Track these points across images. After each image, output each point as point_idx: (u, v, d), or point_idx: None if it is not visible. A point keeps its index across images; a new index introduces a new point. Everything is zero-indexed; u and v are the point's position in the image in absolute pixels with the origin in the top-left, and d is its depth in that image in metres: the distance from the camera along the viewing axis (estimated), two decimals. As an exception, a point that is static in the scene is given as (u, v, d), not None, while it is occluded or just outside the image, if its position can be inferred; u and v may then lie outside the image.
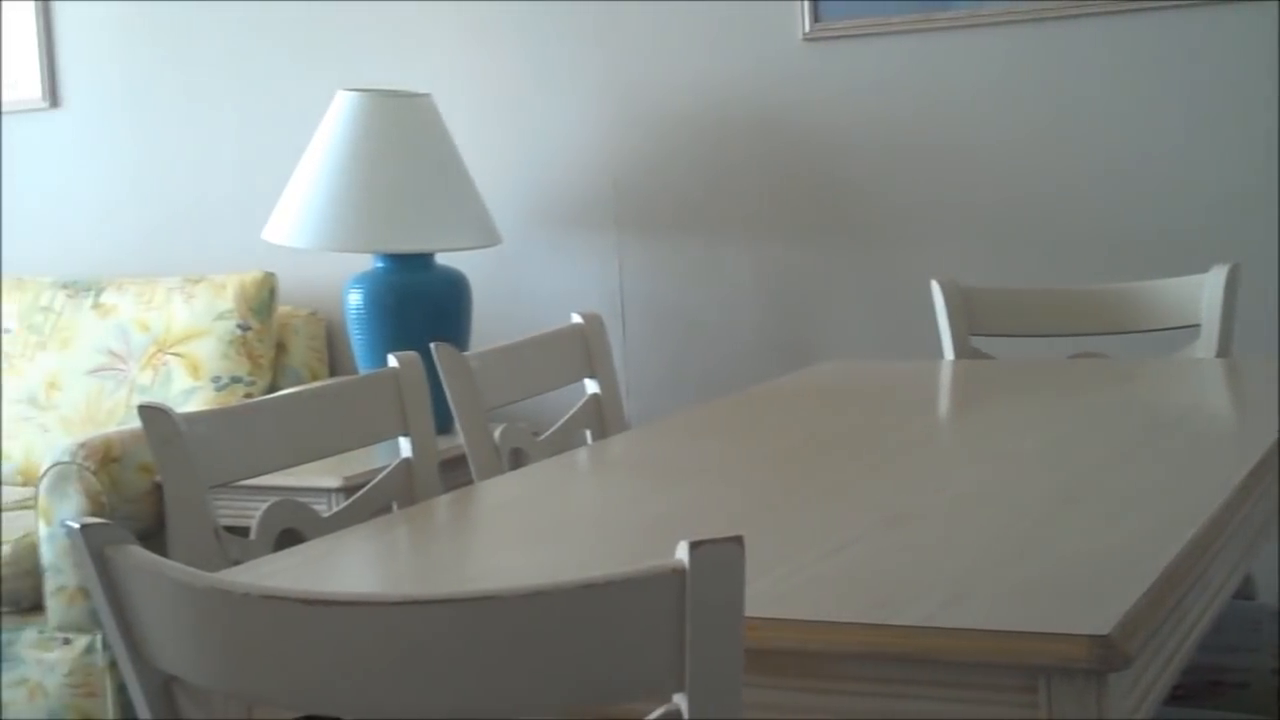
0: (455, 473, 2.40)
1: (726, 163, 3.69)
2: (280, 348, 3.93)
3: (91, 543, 1.24)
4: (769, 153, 3.65)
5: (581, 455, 2.28)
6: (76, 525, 1.24)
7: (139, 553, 1.23)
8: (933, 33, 3.49)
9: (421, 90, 3.69)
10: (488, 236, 3.62)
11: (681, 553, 1.08)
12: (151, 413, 1.90)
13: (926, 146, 3.52)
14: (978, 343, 3.03)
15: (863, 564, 1.51)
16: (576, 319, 2.70)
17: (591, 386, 2.68)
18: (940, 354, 3.02)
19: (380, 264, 3.62)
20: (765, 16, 3.61)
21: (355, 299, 3.59)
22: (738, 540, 1.08)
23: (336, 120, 3.54)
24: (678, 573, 1.07)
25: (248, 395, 3.78)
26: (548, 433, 2.51)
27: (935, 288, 3.02)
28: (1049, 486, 1.81)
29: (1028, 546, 1.54)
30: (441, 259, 3.67)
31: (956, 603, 1.36)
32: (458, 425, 2.34)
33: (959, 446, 2.16)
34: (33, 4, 4.44)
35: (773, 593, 1.42)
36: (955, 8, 3.45)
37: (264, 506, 2.01)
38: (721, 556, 1.08)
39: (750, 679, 1.12)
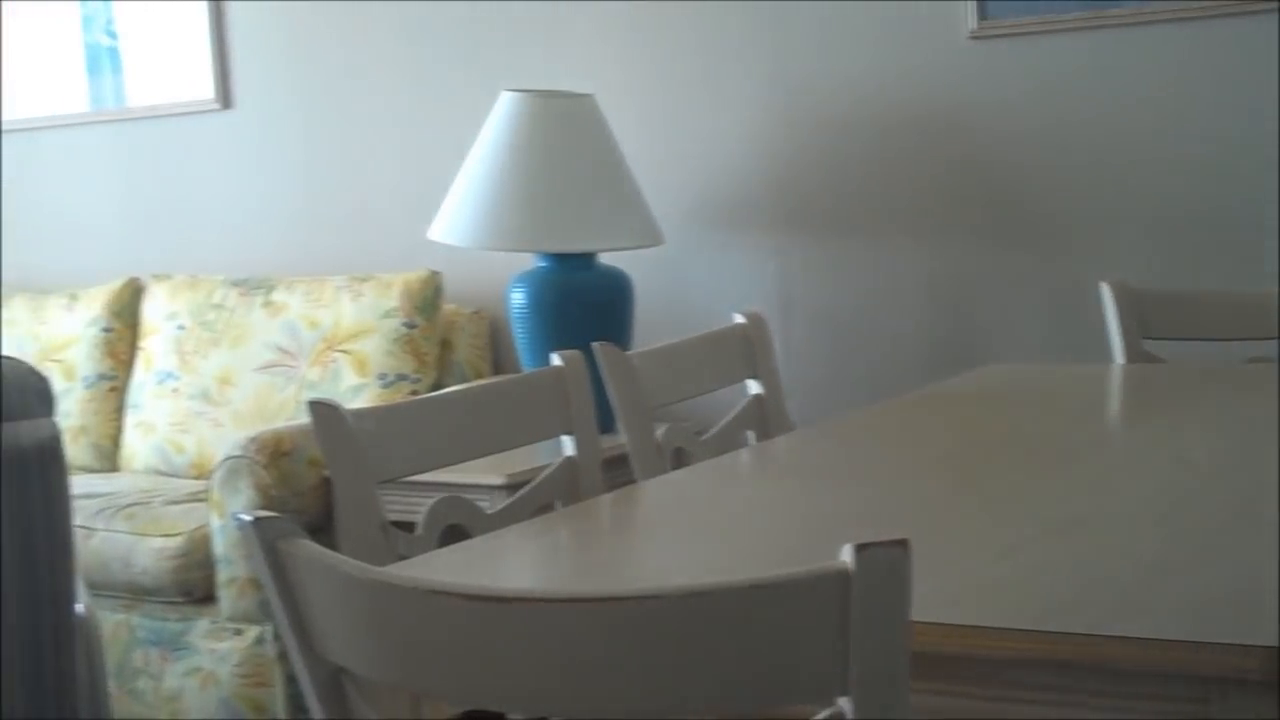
0: (617, 472, 2.40)
1: (891, 162, 3.66)
2: (445, 345, 3.97)
3: (263, 536, 1.26)
4: (934, 152, 3.61)
5: (744, 456, 2.27)
6: (249, 518, 1.26)
7: (309, 546, 1.25)
8: (1102, 30, 3.43)
9: (585, 90, 3.71)
10: (650, 236, 3.62)
11: (847, 555, 1.07)
12: (321, 409, 1.93)
13: (1095, 146, 3.46)
14: (1149, 346, 2.97)
15: (1030, 570, 1.49)
16: (739, 319, 2.70)
17: (754, 387, 2.67)
18: (1110, 358, 2.97)
19: (543, 263, 3.65)
20: (931, 14, 3.58)
21: (518, 298, 3.61)
22: (903, 543, 1.07)
23: (501, 120, 3.57)
24: (843, 575, 1.07)
25: (413, 392, 3.83)
26: (710, 432, 2.51)
27: (1105, 290, 2.96)
28: (1222, 495, 1.77)
29: (1200, 556, 1.51)
30: (604, 258, 3.69)
31: (1126, 611, 1.34)
32: (620, 424, 2.34)
33: (1130, 452, 2.12)
34: (205, 4, 4.53)
35: (938, 597, 1.40)
36: (1125, 5, 3.39)
37: (430, 502, 2.04)
38: (887, 559, 1.07)
39: (915, 683, 1.11)
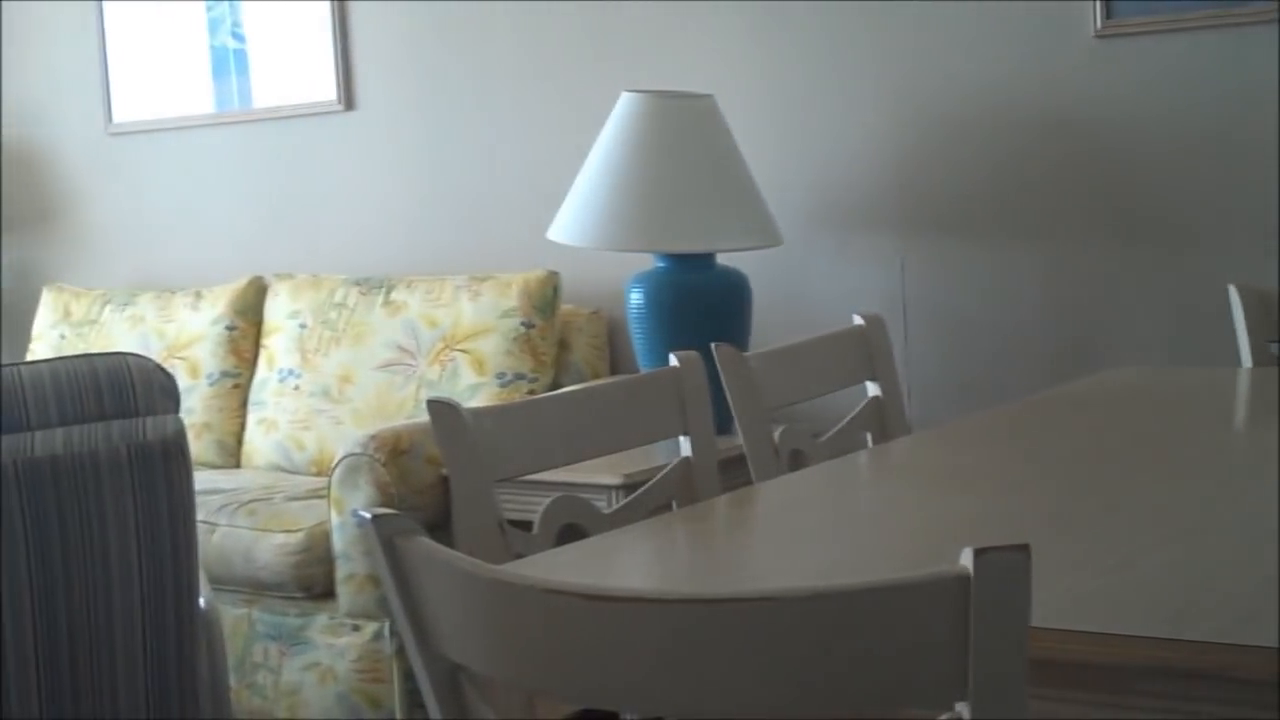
0: (734, 473, 2.40)
1: (1013, 163, 3.62)
2: (563, 345, 3.99)
3: (382, 532, 1.27)
4: (1057, 152, 3.57)
5: (862, 458, 2.26)
6: (368, 515, 1.27)
7: (427, 543, 1.26)
8: (1231, 28, 3.37)
9: (704, 91, 3.70)
10: (768, 237, 3.61)
11: (966, 559, 1.06)
12: (440, 407, 1.95)
13: (1224, 146, 3.40)
14: (1277, 350, 2.91)
15: (1153, 577, 1.47)
16: (858, 320, 2.68)
17: (872, 389, 2.65)
18: (1237, 362, 2.91)
19: (661, 264, 3.65)
20: (1056, 13, 3.53)
21: (636, 298, 3.62)
22: (1024, 548, 1.06)
23: (620, 121, 3.58)
24: (962, 579, 1.06)
25: (530, 392, 3.85)
26: (828, 434, 2.50)
27: (1233, 292, 2.91)
28: (1353, 501, 1.73)
29: (1330, 563, 1.48)
30: (722, 259, 3.69)
31: (1251, 619, 1.31)
32: (737, 425, 2.33)
33: (1256, 459, 2.08)
34: (328, 6, 4.58)
35: (1059, 603, 1.38)
36: (1253, 4, 3.33)
37: (546, 501, 2.04)
38: (1007, 564, 1.05)
39: (1033, 690, 1.09)
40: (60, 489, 2.32)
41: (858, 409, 2.60)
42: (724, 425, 2.75)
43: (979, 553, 1.05)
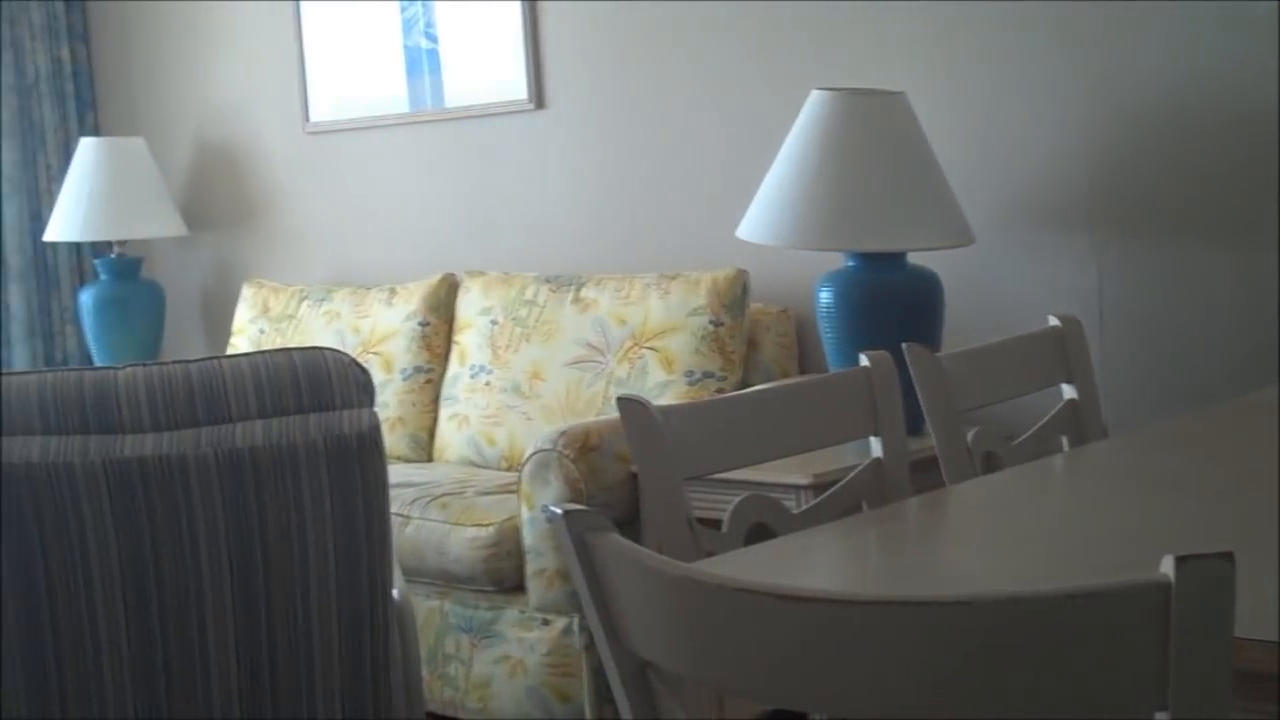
0: (926, 475, 2.37)
1: (1212, 161, 3.53)
2: (751, 344, 3.98)
3: (573, 528, 1.28)
4: (1258, 151, 3.47)
5: (1058, 462, 2.22)
6: (559, 511, 1.28)
7: (617, 540, 1.26)
8: None
9: (895, 88, 3.67)
10: (961, 236, 3.57)
11: (1168, 566, 1.03)
12: (630, 405, 1.95)
13: None
14: None
15: (1363, 587, 1.42)
16: (1053, 322, 2.64)
17: (1068, 391, 2.60)
18: None
19: (851, 263, 3.62)
20: (1244, 10, 3.44)
21: (826, 297, 3.60)
22: (1228, 556, 1.03)
23: (810, 119, 3.56)
24: (1163, 587, 1.03)
25: (719, 390, 3.85)
26: (1022, 437, 2.46)
27: None
28: None
29: None
30: (913, 258, 3.65)
31: None
32: (929, 426, 2.31)
33: None
34: (519, 6, 4.62)
35: (1265, 614, 1.34)
36: None
37: (735, 500, 2.04)
38: (1211, 572, 1.03)
39: (1238, 703, 1.06)
40: (260, 480, 2.38)
41: (1053, 411, 2.55)
42: (915, 426, 2.72)
43: (1181, 560, 1.03)
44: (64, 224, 5.35)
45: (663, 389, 3.88)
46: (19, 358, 5.51)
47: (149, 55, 5.69)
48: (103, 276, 5.45)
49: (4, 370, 5.67)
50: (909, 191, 3.51)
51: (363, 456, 2.43)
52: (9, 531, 2.34)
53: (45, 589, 2.36)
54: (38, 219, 5.56)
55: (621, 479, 3.45)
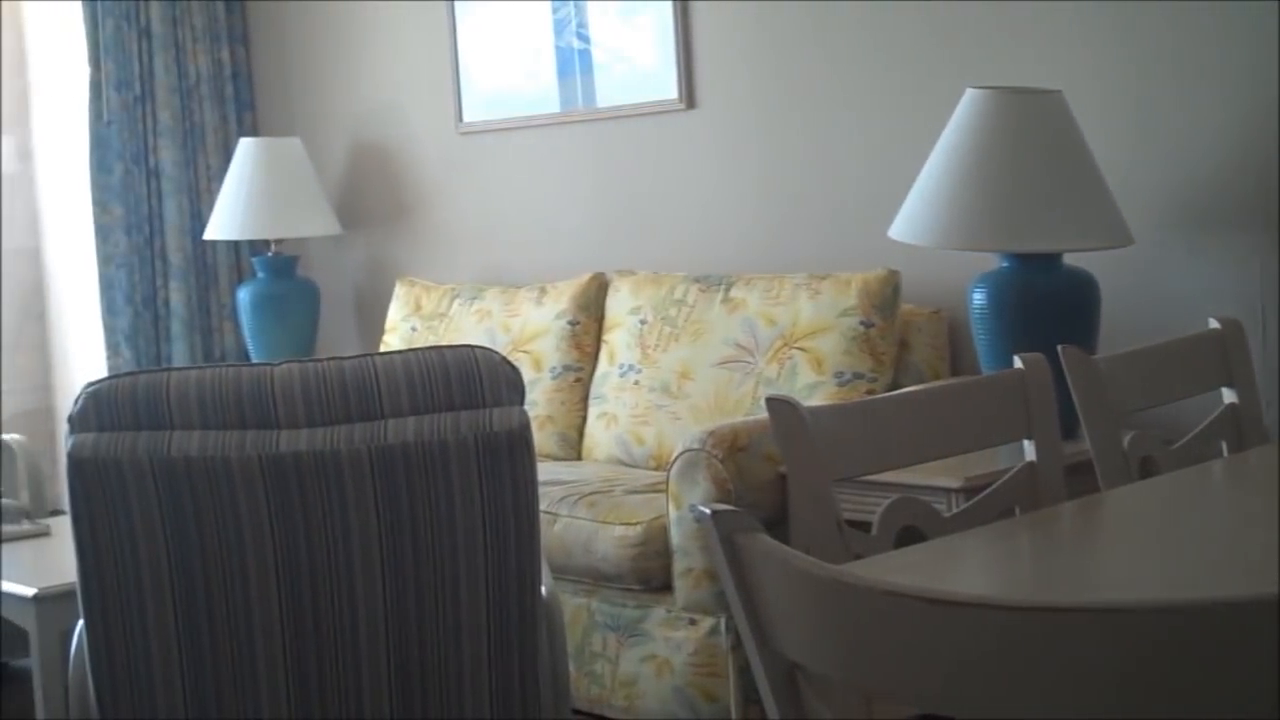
0: (1080, 479, 2.33)
1: (1384, 160, 3.43)
2: (902, 345, 3.95)
3: (721, 528, 1.27)
4: None
5: (1217, 467, 2.17)
6: (708, 511, 1.28)
7: (766, 540, 1.25)
8: None
9: (1052, 87, 3.61)
10: (1119, 237, 3.51)
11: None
12: (779, 405, 1.94)
13: None
14: None
15: None
16: (1214, 324, 2.58)
17: (1229, 395, 2.55)
18: None
19: (1006, 263, 3.58)
20: None
21: (980, 298, 3.55)
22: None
23: (964, 118, 3.52)
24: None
25: (869, 392, 3.82)
26: (1181, 442, 2.41)
27: None
28: None
29: None
30: (1069, 259, 3.59)
31: None
32: (1084, 430, 2.27)
33: None
34: (670, 6, 4.63)
35: None
36: None
37: (886, 503, 2.02)
38: (1381, 583, 1.00)
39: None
40: (411, 476, 2.40)
41: (1213, 416, 2.50)
42: (1069, 430, 2.68)
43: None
44: (223, 223, 5.45)
45: (812, 390, 3.86)
46: (179, 354, 5.63)
47: (306, 57, 5.78)
48: (260, 274, 5.55)
49: (165, 366, 5.80)
50: (1065, 191, 3.45)
51: (513, 454, 2.45)
52: (169, 524, 2.38)
53: (203, 582, 2.41)
54: (198, 218, 5.67)
55: (770, 480, 3.44)
